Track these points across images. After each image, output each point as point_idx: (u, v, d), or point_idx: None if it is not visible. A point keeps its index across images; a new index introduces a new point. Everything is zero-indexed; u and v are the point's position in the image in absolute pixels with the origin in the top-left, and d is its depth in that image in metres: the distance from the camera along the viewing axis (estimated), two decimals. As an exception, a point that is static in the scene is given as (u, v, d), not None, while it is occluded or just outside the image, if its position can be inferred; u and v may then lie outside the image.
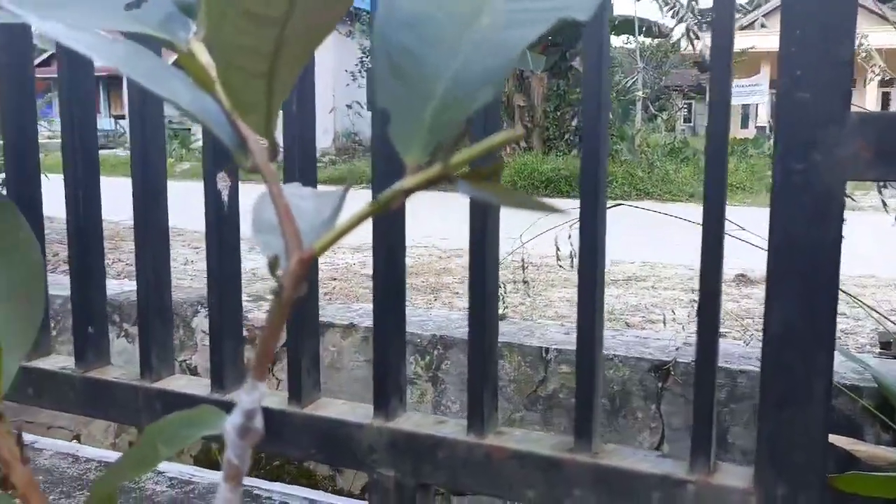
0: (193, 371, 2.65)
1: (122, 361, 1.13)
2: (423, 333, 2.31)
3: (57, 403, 1.12)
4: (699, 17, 15.44)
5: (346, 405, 0.99)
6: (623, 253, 4.46)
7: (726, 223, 0.78)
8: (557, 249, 2.54)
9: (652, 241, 4.71)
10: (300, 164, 0.95)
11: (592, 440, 0.83)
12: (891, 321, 2.59)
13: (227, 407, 0.32)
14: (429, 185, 0.27)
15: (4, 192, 1.34)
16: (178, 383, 1.07)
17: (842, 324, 2.92)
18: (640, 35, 14.90)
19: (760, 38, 17.10)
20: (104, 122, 24.02)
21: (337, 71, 16.24)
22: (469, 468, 0.88)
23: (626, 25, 14.46)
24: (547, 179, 10.55)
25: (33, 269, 0.44)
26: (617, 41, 16.76)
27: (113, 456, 1.29)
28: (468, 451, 0.88)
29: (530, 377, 2.22)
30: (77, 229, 1.09)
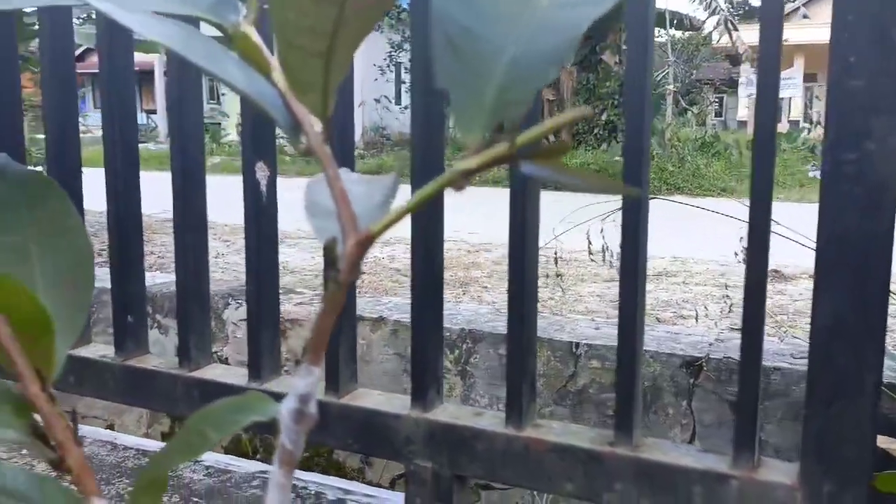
0: (224, 362, 2.67)
1: (156, 352, 1.14)
2: (453, 327, 2.30)
3: (97, 391, 1.13)
4: (733, 9, 15.21)
5: (382, 396, 0.99)
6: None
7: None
8: (589, 243, 2.52)
9: (682, 236, 4.66)
10: (340, 154, 0.95)
11: (633, 433, 0.82)
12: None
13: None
14: (493, 164, 0.27)
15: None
16: (215, 372, 1.08)
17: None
18: (671, 28, 14.72)
19: (794, 30, 16.81)
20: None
21: (365, 65, 16.24)
22: (507, 460, 0.87)
23: (656, 18, 14.29)
24: (576, 174, 10.47)
25: (81, 256, 0.44)
26: (647, 34, 16.52)
27: (150, 444, 1.30)
28: (507, 443, 0.87)
29: (560, 372, 2.20)
30: (118, 220, 1.11)
